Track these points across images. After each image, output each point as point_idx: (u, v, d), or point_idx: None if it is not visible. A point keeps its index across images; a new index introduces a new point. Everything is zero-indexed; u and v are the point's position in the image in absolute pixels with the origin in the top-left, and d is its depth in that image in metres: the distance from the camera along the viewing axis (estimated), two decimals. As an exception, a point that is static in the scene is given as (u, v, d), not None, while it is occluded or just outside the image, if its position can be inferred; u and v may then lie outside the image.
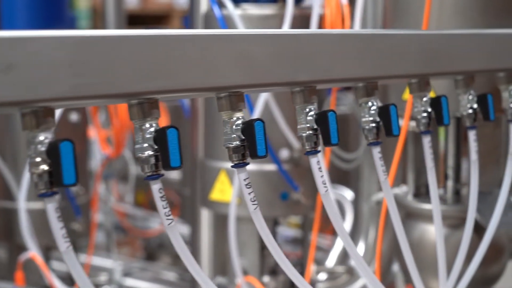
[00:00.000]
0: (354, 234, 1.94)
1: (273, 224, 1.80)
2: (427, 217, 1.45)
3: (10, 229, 1.97)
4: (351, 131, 2.01)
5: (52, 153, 0.70)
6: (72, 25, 2.28)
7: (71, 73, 0.70)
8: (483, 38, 1.15)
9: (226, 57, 0.82)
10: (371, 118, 0.98)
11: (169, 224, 0.80)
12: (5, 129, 1.99)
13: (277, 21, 1.61)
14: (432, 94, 1.09)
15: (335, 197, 2.00)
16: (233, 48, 0.82)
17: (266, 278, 1.76)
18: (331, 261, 1.99)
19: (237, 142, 0.85)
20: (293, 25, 1.59)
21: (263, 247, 1.72)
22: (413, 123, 1.37)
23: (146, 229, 2.98)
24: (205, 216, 1.88)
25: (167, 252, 2.87)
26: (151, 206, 3.08)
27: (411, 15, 1.41)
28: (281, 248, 2.06)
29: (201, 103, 1.82)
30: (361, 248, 1.89)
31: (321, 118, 0.90)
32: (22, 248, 1.85)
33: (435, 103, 1.07)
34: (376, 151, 1.00)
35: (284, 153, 1.66)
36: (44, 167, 0.70)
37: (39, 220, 1.82)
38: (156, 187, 0.79)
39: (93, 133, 2.36)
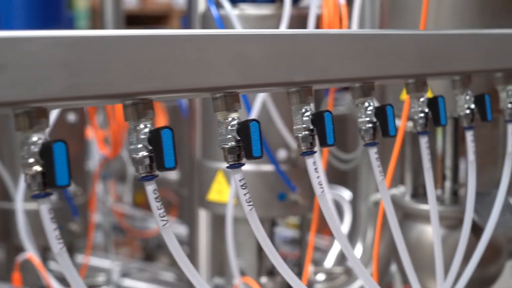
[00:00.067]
0: (352, 235, 1.93)
1: (271, 225, 1.79)
2: (425, 217, 1.45)
3: (7, 230, 1.96)
4: (349, 131, 2.01)
5: (45, 154, 0.69)
6: (70, 25, 2.27)
7: (64, 74, 0.70)
8: (481, 38, 1.14)
9: (221, 57, 0.81)
10: (367, 119, 0.98)
11: (163, 225, 0.80)
12: (2, 129, 1.99)
13: (275, 21, 1.61)
14: (429, 94, 1.09)
15: (334, 197, 2.00)
16: (228, 48, 0.82)
17: (264, 279, 1.76)
18: (329, 261, 1.98)
19: (233, 143, 0.84)
20: (291, 25, 1.59)
21: (260, 248, 1.72)
22: (410, 124, 1.37)
23: (145, 230, 2.98)
24: (203, 217, 1.87)
25: (165, 253, 2.87)
26: (150, 207, 3.07)
27: (408, 15, 1.40)
28: (278, 249, 2.06)
29: (199, 103, 1.81)
30: (358, 249, 1.89)
31: (317, 119, 0.90)
32: (19, 248, 1.85)
33: (432, 103, 1.07)
34: (373, 152, 0.99)
35: (281, 154, 1.66)
36: (37, 168, 0.70)
37: (36, 221, 1.81)
38: (150, 188, 0.78)
39: (91, 133, 2.35)
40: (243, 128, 0.84)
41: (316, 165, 0.92)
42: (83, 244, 2.19)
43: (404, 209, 1.53)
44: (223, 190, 1.68)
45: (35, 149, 0.70)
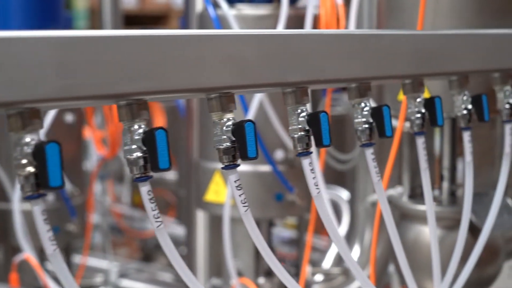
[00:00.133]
0: (350, 235, 1.93)
1: (268, 225, 1.79)
2: (422, 218, 1.44)
3: (4, 231, 1.96)
4: (347, 132, 2.00)
5: (38, 155, 0.69)
6: (67, 25, 2.26)
7: (57, 74, 0.69)
8: (478, 39, 1.14)
9: (216, 57, 0.81)
10: (364, 119, 0.98)
11: (158, 227, 0.79)
12: (-1, 129, 1.98)
13: (272, 21, 1.61)
14: (426, 95, 1.09)
15: (332, 197, 1.99)
16: (222, 49, 0.82)
17: (261, 280, 1.75)
18: (327, 262, 1.98)
19: (228, 144, 0.84)
20: (288, 26, 1.59)
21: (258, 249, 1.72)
22: (408, 124, 1.36)
23: (143, 230, 2.97)
24: (200, 217, 1.87)
25: (164, 253, 2.86)
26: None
27: (405, 14, 1.40)
28: (276, 249, 2.05)
29: (196, 104, 1.81)
30: (356, 250, 1.88)
31: (313, 119, 0.90)
32: (17, 249, 1.85)
33: (429, 104, 1.07)
34: (369, 153, 0.99)
35: (279, 154, 1.66)
36: (30, 169, 0.70)
37: (34, 221, 1.80)
38: (145, 189, 0.78)
39: (89, 133, 2.35)
40: (238, 128, 0.83)
41: (312, 166, 0.91)
42: (80, 244, 2.19)
43: (401, 210, 1.52)
44: (220, 190, 1.68)
45: (28, 150, 0.70)
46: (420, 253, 1.46)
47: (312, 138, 0.91)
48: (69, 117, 1.96)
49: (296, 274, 1.87)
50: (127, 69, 0.74)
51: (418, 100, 1.06)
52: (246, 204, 0.86)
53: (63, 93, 0.70)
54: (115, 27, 2.84)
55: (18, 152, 0.70)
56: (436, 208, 1.46)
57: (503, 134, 1.20)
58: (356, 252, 1.87)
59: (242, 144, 0.83)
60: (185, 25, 1.88)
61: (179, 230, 2.75)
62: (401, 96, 1.37)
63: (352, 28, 1.60)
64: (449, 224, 1.46)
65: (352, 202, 1.95)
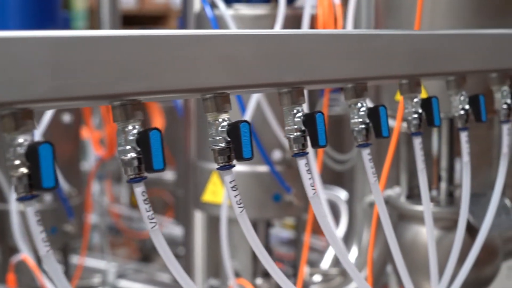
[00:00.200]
0: (349, 236, 1.93)
1: (266, 226, 1.79)
2: (420, 218, 1.44)
3: (2, 231, 1.96)
4: (345, 132, 2.00)
5: (31, 155, 0.68)
6: (66, 25, 2.26)
7: (50, 74, 0.69)
8: (475, 38, 1.13)
9: (211, 57, 0.81)
10: (360, 120, 0.97)
11: (152, 227, 0.79)
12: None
13: (270, 21, 1.60)
14: (424, 95, 1.08)
15: (330, 198, 1.99)
16: (218, 49, 0.81)
17: (259, 281, 1.75)
18: (326, 262, 1.98)
19: (223, 144, 0.84)
20: (286, 25, 1.58)
21: (256, 249, 1.71)
22: (405, 124, 1.36)
23: (141, 231, 2.97)
24: (198, 218, 1.86)
25: (162, 254, 2.85)
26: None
27: (403, 14, 1.40)
28: (274, 250, 2.04)
29: (194, 104, 1.80)
30: (354, 251, 1.88)
31: (309, 120, 0.89)
32: (14, 250, 1.84)
33: (426, 104, 1.06)
34: (366, 153, 0.99)
35: (276, 154, 1.65)
36: (23, 170, 0.69)
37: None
38: (139, 190, 0.77)
39: (86, 134, 2.34)
40: (234, 129, 0.83)
41: (308, 167, 0.91)
42: (78, 244, 2.18)
43: (399, 210, 1.52)
44: (217, 191, 1.67)
45: (21, 150, 0.69)
46: (418, 254, 1.45)
47: (308, 138, 0.90)
48: (66, 117, 1.96)
49: (294, 274, 1.87)
50: (122, 70, 0.74)
51: (415, 100, 1.06)
52: (241, 205, 0.85)
53: (57, 94, 0.70)
54: (113, 27, 2.84)
55: (11, 153, 0.70)
56: (434, 209, 1.46)
57: (501, 134, 1.19)
58: (354, 252, 1.87)
59: (237, 144, 0.83)
60: (183, 25, 1.88)
61: (177, 231, 2.75)
62: (399, 96, 1.36)
63: (349, 28, 1.59)
64: (447, 225, 1.45)
65: (350, 203, 1.95)
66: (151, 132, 0.76)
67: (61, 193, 1.91)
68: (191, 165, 1.80)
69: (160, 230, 0.79)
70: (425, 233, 1.43)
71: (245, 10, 1.63)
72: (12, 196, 1.79)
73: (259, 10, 1.63)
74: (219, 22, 1.61)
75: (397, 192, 1.56)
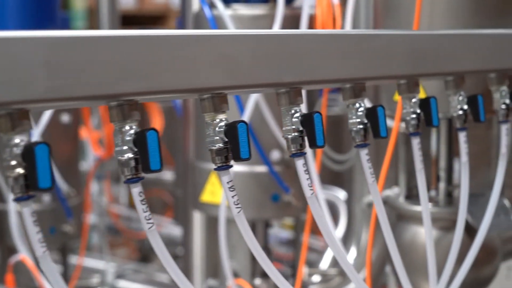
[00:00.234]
0: (347, 236, 1.93)
1: (264, 226, 1.78)
2: (419, 219, 1.43)
3: (0, 231, 1.95)
4: (344, 132, 2.00)
5: (28, 156, 0.68)
6: (65, 25, 2.26)
7: (46, 74, 0.69)
8: (474, 39, 1.13)
9: (208, 57, 0.80)
10: (358, 120, 0.97)
11: (149, 228, 0.79)
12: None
13: (268, 21, 1.60)
14: (422, 95, 1.08)
15: (329, 198, 1.99)
16: (215, 49, 0.81)
17: (258, 281, 1.75)
18: (324, 263, 1.97)
19: (220, 144, 0.83)
20: (284, 25, 1.58)
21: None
22: (404, 124, 1.36)
23: (140, 231, 2.97)
24: (197, 218, 1.86)
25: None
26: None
27: (402, 14, 1.39)
28: (271, 250, 2.04)
29: (193, 104, 1.80)
30: (352, 251, 1.88)
31: (307, 120, 0.89)
32: (13, 250, 1.84)
33: (424, 104, 1.06)
34: (364, 153, 0.98)
35: (275, 155, 1.65)
36: (20, 170, 0.69)
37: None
38: (136, 190, 0.77)
39: (85, 134, 2.34)
40: (231, 129, 0.83)
41: (306, 167, 0.91)
42: (77, 245, 2.18)
43: (398, 211, 1.52)
44: (216, 191, 1.67)
45: (18, 151, 0.69)
46: (416, 254, 1.45)
47: (306, 138, 0.90)
48: (65, 118, 1.96)
49: (293, 274, 1.87)
50: (120, 70, 0.73)
51: (413, 100, 1.06)
52: (239, 206, 0.85)
53: (53, 94, 0.70)
54: (112, 27, 2.84)
55: (7, 153, 0.70)
56: (432, 209, 1.45)
57: (499, 134, 1.19)
58: (353, 253, 1.87)
59: (235, 145, 0.83)
60: (181, 26, 1.88)
61: (177, 231, 2.74)
62: (397, 97, 1.36)
63: (348, 28, 1.59)
64: (446, 225, 1.45)
65: (349, 203, 1.95)
66: (148, 133, 0.75)
67: (60, 193, 1.91)
68: (190, 165, 1.80)
69: (157, 230, 0.79)
70: (424, 234, 1.43)
71: (243, 10, 1.63)
72: (11, 196, 1.79)
73: (257, 10, 1.63)
74: (217, 22, 1.60)
75: (396, 192, 1.56)
